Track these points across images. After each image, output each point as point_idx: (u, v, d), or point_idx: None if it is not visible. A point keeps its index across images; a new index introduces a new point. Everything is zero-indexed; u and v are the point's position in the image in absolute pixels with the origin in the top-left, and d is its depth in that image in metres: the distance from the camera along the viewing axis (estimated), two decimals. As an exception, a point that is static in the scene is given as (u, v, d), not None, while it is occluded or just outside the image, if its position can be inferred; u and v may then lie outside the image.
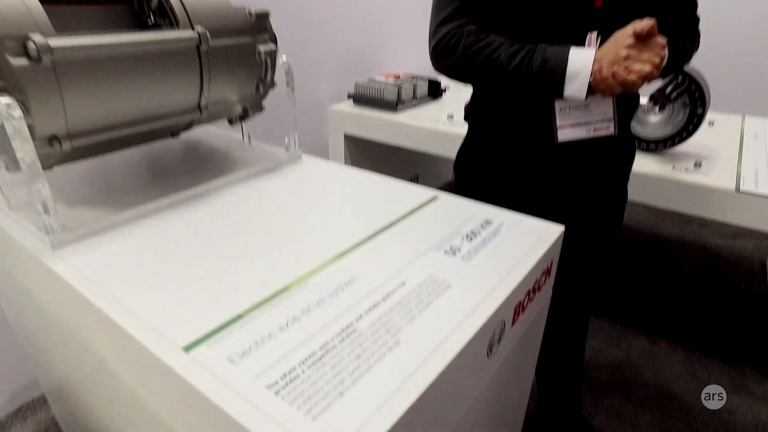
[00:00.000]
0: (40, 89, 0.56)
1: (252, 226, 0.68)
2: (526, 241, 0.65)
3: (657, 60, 0.75)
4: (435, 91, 2.03)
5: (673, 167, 1.36)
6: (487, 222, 0.71)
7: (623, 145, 0.99)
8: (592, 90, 0.79)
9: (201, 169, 0.86)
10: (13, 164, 0.59)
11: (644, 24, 0.73)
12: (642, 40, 0.74)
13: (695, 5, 0.92)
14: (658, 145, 1.42)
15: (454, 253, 0.62)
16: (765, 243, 2.26)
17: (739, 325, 1.74)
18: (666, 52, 0.77)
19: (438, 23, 0.87)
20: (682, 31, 0.90)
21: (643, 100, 1.34)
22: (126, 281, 0.55)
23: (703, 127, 1.37)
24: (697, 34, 0.95)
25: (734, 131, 1.66)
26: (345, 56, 2.13)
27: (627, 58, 0.74)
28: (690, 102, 1.32)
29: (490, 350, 0.54)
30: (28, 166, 0.57)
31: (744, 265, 2.12)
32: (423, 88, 1.98)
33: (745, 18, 2.31)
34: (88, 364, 0.64)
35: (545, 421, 1.30)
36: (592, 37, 0.82)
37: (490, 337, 0.53)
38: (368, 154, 2.14)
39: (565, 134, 0.88)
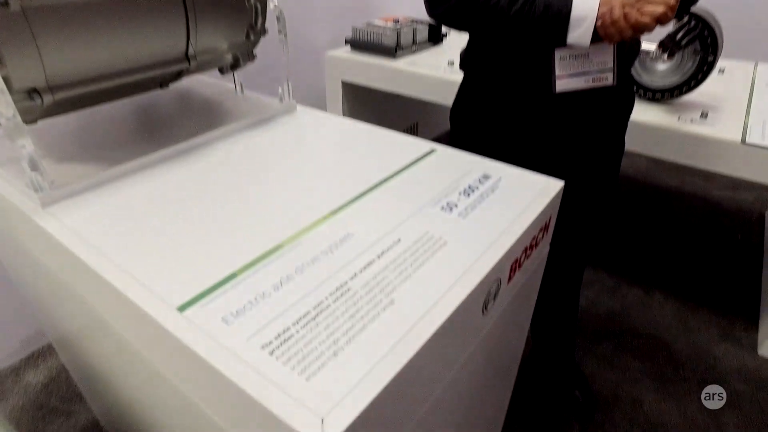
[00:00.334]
0: (12, 37, 0.53)
1: (245, 182, 0.66)
2: (524, 196, 0.64)
3: (672, 0, 0.71)
4: (435, 36, 1.95)
5: (679, 118, 1.33)
6: (485, 177, 0.69)
7: (621, 96, 0.96)
8: (596, 37, 0.75)
9: (192, 121, 0.84)
10: (-5, 119, 0.56)
11: None
12: None
13: None
14: (665, 95, 1.37)
15: (451, 209, 0.61)
16: (765, 194, 2.25)
17: (733, 276, 1.76)
18: None
19: None
20: None
21: (651, 47, 1.28)
22: (118, 240, 0.54)
23: (713, 74, 1.32)
24: None
25: (745, 79, 1.60)
26: (341, -1, 2.03)
27: None
28: (701, 48, 1.27)
29: (485, 308, 0.54)
30: (8, 120, 0.54)
31: (743, 217, 2.12)
32: (423, 33, 1.90)
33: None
34: (87, 318, 0.65)
35: (537, 366, 1.34)
36: None
37: (486, 296, 0.53)
38: (367, 103, 2.08)
39: (563, 84, 0.85)
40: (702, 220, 2.10)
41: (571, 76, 0.85)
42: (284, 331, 0.42)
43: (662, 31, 0.97)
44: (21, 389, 1.34)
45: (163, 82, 0.82)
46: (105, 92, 0.70)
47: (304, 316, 0.44)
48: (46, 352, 1.45)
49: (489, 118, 0.97)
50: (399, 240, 0.55)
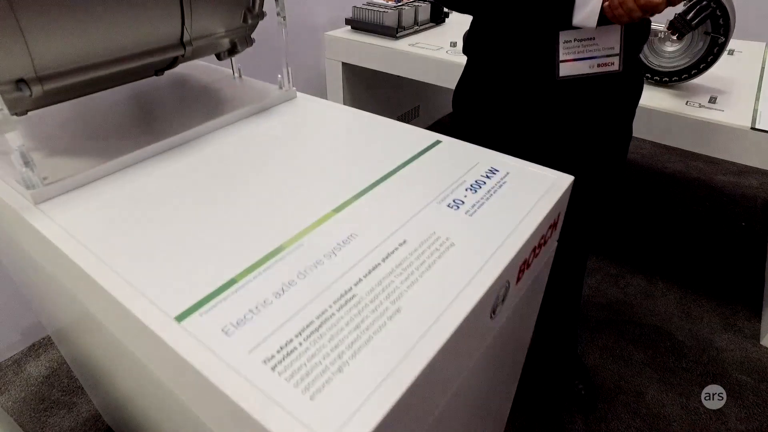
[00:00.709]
0: (-4, 26, 0.50)
1: (244, 176, 0.64)
2: (533, 193, 0.62)
3: None
4: (437, 15, 1.89)
5: (687, 102, 1.30)
6: (493, 171, 0.67)
7: (629, 83, 0.92)
8: (603, 20, 0.71)
9: (190, 110, 0.81)
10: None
11: None
12: None
13: None
14: (672, 78, 1.33)
15: (458, 206, 0.59)
16: (770, 179, 2.23)
17: (736, 264, 1.75)
18: None
19: None
20: None
21: (659, 27, 1.24)
22: (114, 241, 0.52)
23: (722, 56, 1.28)
24: None
25: (755, 61, 1.56)
26: (341, -25, 1.96)
27: None
28: (712, 29, 1.22)
29: (494, 312, 0.53)
30: (-5, 114, 0.52)
31: (747, 203, 2.10)
32: (425, 13, 1.85)
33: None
34: (81, 316, 0.63)
35: (540, 358, 1.34)
36: None
37: (495, 300, 0.51)
38: (368, 85, 2.04)
39: (567, 69, 0.82)
40: (706, 206, 2.08)
41: (576, 60, 0.82)
42: (287, 344, 0.40)
43: (670, 11, 0.92)
44: (22, 381, 1.33)
45: (158, 70, 0.79)
46: (97, 81, 0.67)
47: (308, 326, 0.42)
48: (47, 343, 1.44)
49: (492, 104, 0.94)
50: (405, 241, 0.53)
